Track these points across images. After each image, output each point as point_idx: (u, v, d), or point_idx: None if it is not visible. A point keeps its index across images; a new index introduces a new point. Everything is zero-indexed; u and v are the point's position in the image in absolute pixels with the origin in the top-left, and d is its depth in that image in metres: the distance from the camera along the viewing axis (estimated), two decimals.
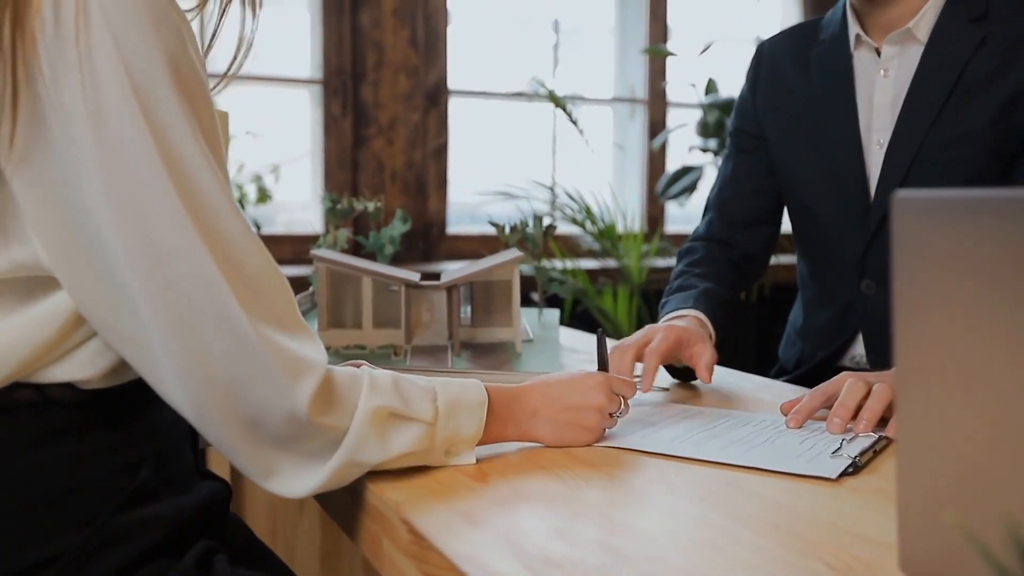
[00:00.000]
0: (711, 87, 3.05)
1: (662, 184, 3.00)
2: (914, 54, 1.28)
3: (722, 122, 2.98)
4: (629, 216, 2.79)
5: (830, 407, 1.00)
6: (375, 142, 2.82)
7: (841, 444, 0.90)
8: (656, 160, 3.25)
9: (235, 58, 0.88)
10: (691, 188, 2.96)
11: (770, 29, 3.49)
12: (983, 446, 0.55)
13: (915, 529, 0.59)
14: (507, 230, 1.51)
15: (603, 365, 1.01)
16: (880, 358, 1.31)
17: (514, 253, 1.36)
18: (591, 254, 2.72)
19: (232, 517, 0.93)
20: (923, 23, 1.26)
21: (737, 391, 1.21)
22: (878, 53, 1.31)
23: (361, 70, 2.80)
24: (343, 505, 0.86)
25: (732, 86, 3.10)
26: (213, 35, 0.85)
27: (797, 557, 0.65)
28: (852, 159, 1.31)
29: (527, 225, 1.51)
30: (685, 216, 3.32)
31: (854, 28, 1.32)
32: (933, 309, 0.54)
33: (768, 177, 1.46)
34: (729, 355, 1.41)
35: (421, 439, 0.79)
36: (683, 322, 1.22)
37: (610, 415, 0.93)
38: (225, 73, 0.87)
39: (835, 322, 1.38)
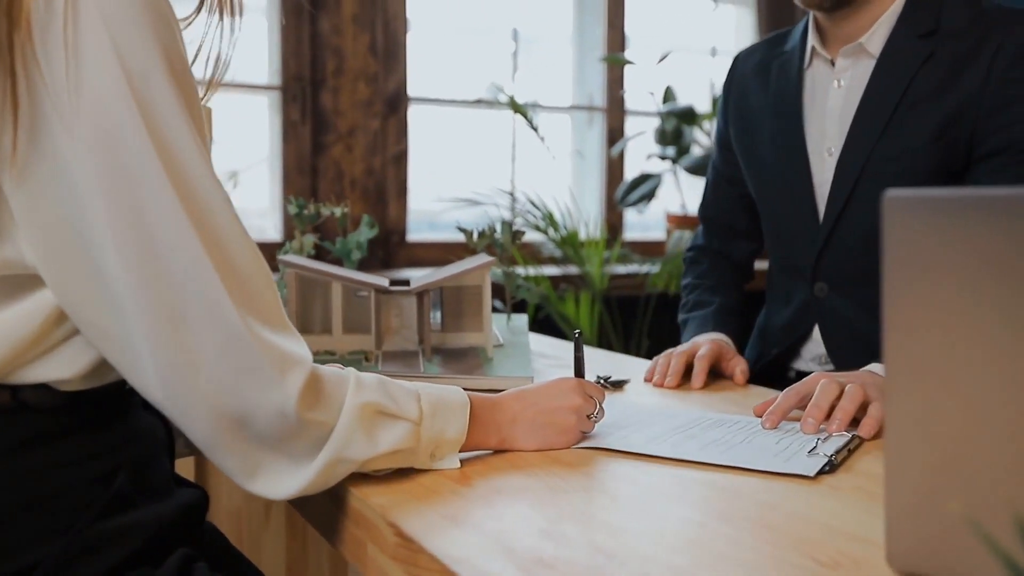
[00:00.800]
0: (669, 95, 3.08)
1: (621, 191, 3.02)
2: (866, 67, 1.31)
3: (680, 130, 3.01)
4: (589, 223, 2.81)
5: (803, 407, 1.01)
6: (334, 149, 2.80)
7: (816, 443, 0.92)
8: (614, 167, 3.27)
9: (216, 68, 0.87)
10: (650, 195, 2.99)
11: (725, 39, 3.54)
12: (971, 441, 0.56)
13: (902, 523, 0.60)
14: (475, 235, 1.51)
15: (579, 370, 1.02)
16: (842, 357, 1.34)
17: (485, 258, 1.36)
18: (552, 261, 2.73)
19: (207, 524, 0.92)
20: (875, 38, 1.30)
21: (706, 392, 1.23)
22: (833, 65, 1.34)
23: (320, 76, 2.78)
24: (324, 511, 0.85)
25: (689, 95, 3.14)
26: (199, 47, 0.84)
27: (786, 554, 0.65)
28: (800, 167, 1.35)
29: (495, 231, 1.51)
30: (643, 223, 3.35)
31: (812, 40, 1.36)
32: (922, 305, 0.55)
33: (739, 195, 1.54)
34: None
35: (407, 438, 0.79)
36: (707, 338, 1.37)
37: (587, 417, 0.93)
38: (209, 82, 0.86)
39: (791, 322, 1.42)
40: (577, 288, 2.57)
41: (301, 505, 0.91)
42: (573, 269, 2.68)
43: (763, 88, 1.43)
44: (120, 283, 0.68)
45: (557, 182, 3.06)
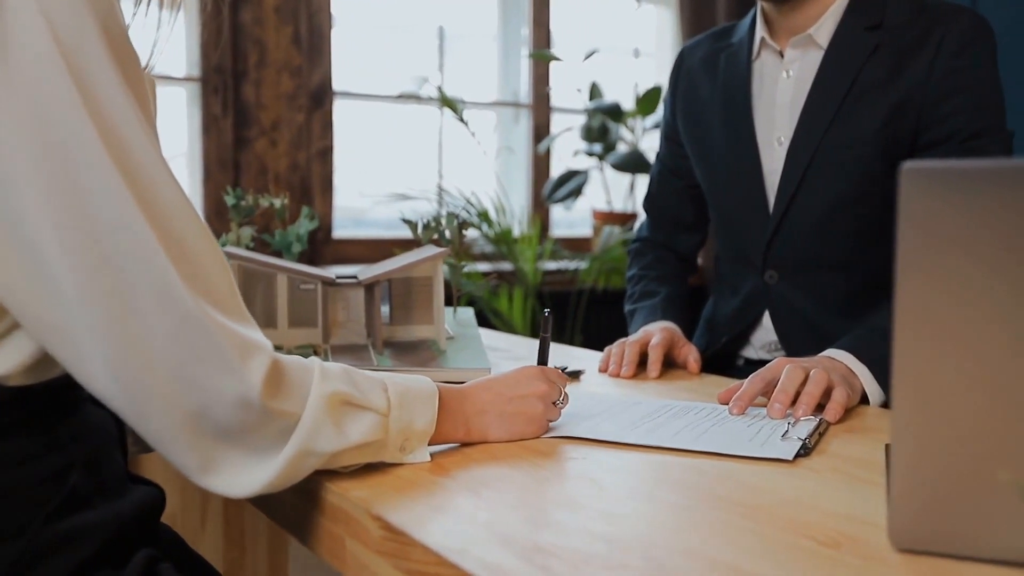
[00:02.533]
0: (595, 92, 3.09)
1: (548, 188, 3.01)
2: (814, 58, 1.33)
3: (606, 126, 3.02)
4: (518, 219, 2.80)
5: (767, 393, 1.02)
6: (257, 143, 2.73)
7: (787, 428, 0.92)
8: (541, 164, 3.27)
9: (151, 56, 0.83)
10: (577, 192, 2.99)
11: (647, 40, 3.58)
12: (979, 419, 0.56)
13: (906, 502, 0.60)
14: (420, 228, 1.48)
15: (544, 350, 1.01)
16: (792, 343, 1.35)
17: (434, 249, 1.33)
18: (484, 257, 2.71)
19: (161, 524, 0.87)
20: (823, 29, 1.32)
21: (661, 381, 1.22)
22: (782, 56, 1.35)
23: (242, 68, 2.70)
24: (293, 508, 0.81)
25: (613, 94, 3.16)
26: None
27: (786, 535, 0.65)
28: (750, 156, 1.36)
29: (440, 223, 1.48)
30: (568, 220, 3.35)
31: (761, 32, 1.37)
32: (934, 276, 0.55)
33: (685, 188, 1.55)
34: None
35: (376, 429, 0.76)
36: (657, 327, 1.37)
37: (553, 404, 0.92)
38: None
39: (740, 310, 1.43)
40: (510, 284, 2.56)
41: (264, 502, 0.87)
42: (506, 265, 2.67)
43: (711, 80, 1.43)
44: (60, 270, 0.63)
45: (483, 179, 3.05)
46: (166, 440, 0.67)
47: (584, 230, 3.29)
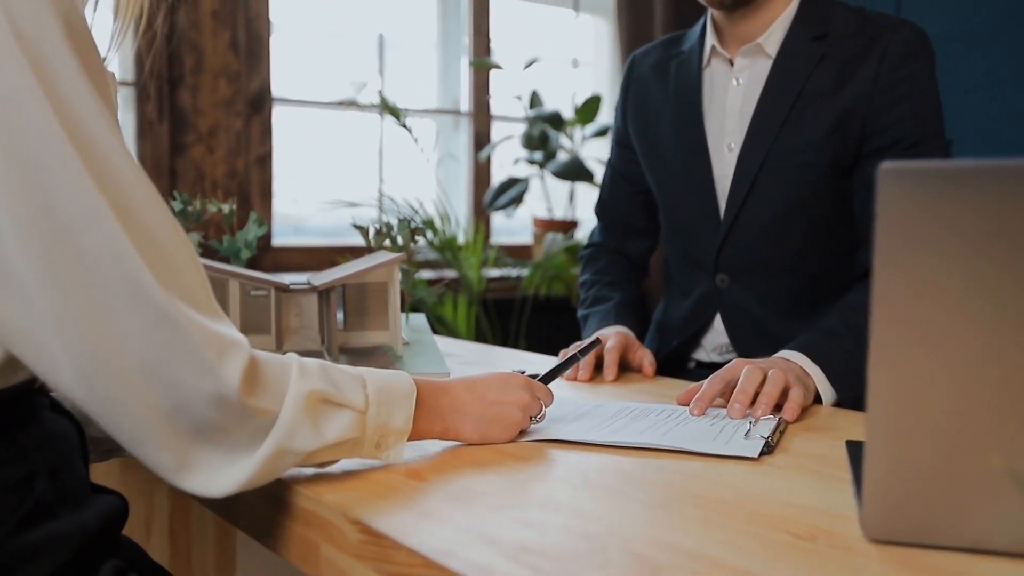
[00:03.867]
0: (536, 101, 3.11)
1: (490, 195, 3.02)
2: (763, 66, 1.36)
3: (546, 135, 3.04)
4: (460, 227, 2.80)
5: (725, 394, 1.03)
6: (194, 149, 2.68)
7: (749, 427, 0.94)
8: (481, 172, 3.28)
9: (107, 51, 0.81)
10: (518, 200, 3.01)
11: (585, 48, 3.62)
12: (952, 415, 0.58)
13: (879, 495, 0.62)
14: (372, 234, 1.47)
15: (550, 377, 1.02)
16: (744, 345, 1.38)
17: (388, 255, 1.32)
18: (427, 264, 2.71)
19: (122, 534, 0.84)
20: (772, 39, 1.35)
21: (617, 385, 1.24)
22: (731, 64, 1.38)
23: (179, 73, 2.65)
24: (261, 514, 0.80)
25: (553, 101, 3.18)
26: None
27: (761, 529, 0.66)
28: (701, 162, 1.39)
29: (392, 228, 1.48)
30: (509, 228, 3.37)
31: (711, 40, 1.40)
32: (910, 274, 0.56)
33: (635, 193, 1.57)
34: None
35: (353, 427, 0.75)
36: (612, 331, 1.39)
37: (530, 417, 0.92)
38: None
39: (692, 313, 1.46)
40: (454, 291, 2.56)
41: (231, 510, 0.85)
42: (449, 272, 2.67)
43: (663, 86, 1.46)
44: (24, 269, 0.61)
45: (423, 186, 3.04)
46: (140, 441, 0.66)
47: (525, 237, 3.30)
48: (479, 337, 2.62)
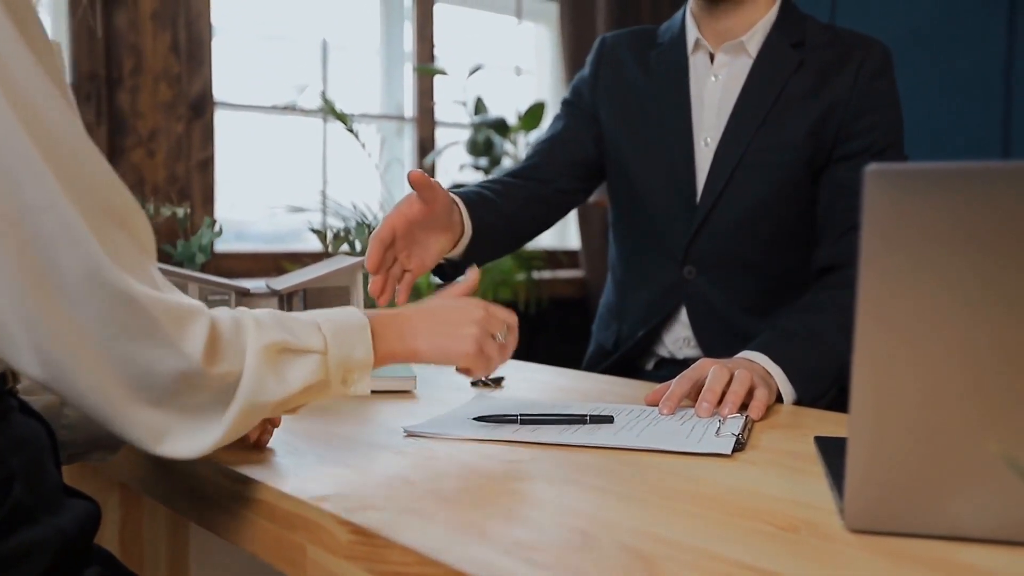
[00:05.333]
0: (480, 107, 3.12)
1: None
2: (743, 65, 1.39)
3: (491, 140, 3.06)
4: None
5: (691, 394, 1.06)
6: (134, 153, 2.63)
7: (719, 425, 0.96)
8: None
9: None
10: None
11: (527, 56, 3.64)
12: (933, 407, 0.60)
13: (862, 486, 0.64)
14: (330, 238, 1.46)
15: None
16: (707, 339, 1.40)
17: (350, 259, 1.32)
18: None
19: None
20: (754, 39, 1.39)
21: (578, 387, 1.25)
22: (711, 59, 1.41)
23: (117, 76, 2.60)
24: (241, 521, 0.79)
25: (495, 108, 3.20)
26: None
27: (744, 521, 0.68)
28: (683, 154, 1.40)
29: (350, 233, 1.47)
30: None
31: (693, 33, 1.42)
32: (894, 273, 0.59)
33: (593, 143, 1.49)
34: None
35: (317, 370, 0.76)
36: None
37: (493, 338, 0.91)
38: None
39: (654, 303, 1.46)
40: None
41: (208, 517, 0.84)
42: None
43: (642, 73, 1.46)
44: None
45: (366, 191, 3.03)
46: (110, 417, 0.67)
47: None
48: None
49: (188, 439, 0.70)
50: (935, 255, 0.57)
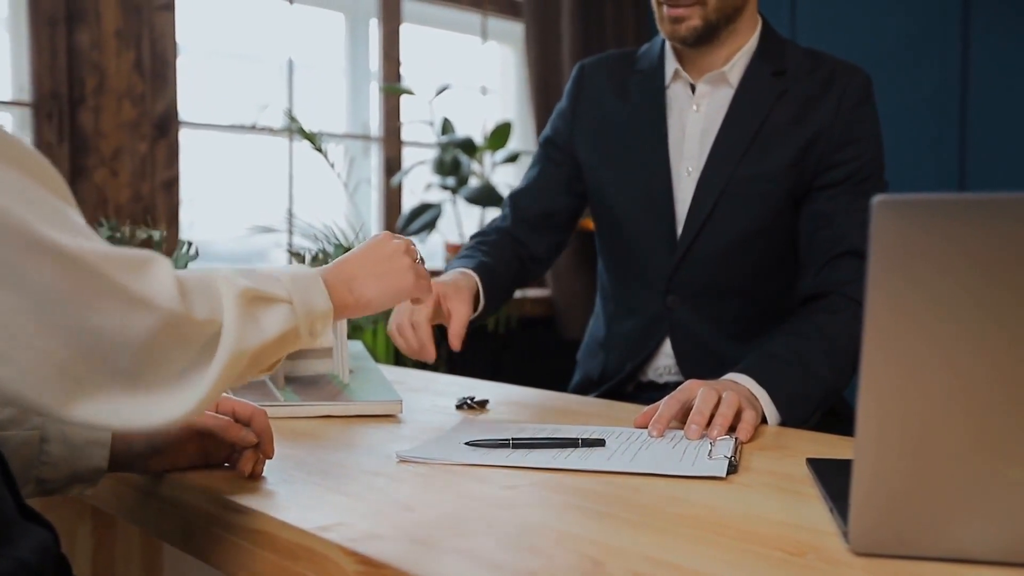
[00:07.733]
0: (447, 127, 3.12)
1: (402, 221, 3.01)
2: (724, 95, 1.40)
3: (458, 160, 3.06)
4: None
5: (680, 415, 1.06)
6: (97, 173, 2.59)
7: (710, 447, 0.96)
8: (392, 197, 3.27)
9: None
10: (431, 225, 3.01)
11: (492, 76, 3.66)
12: (938, 432, 0.62)
13: (866, 511, 0.65)
14: (308, 260, 1.45)
15: None
16: (689, 367, 1.41)
17: None
18: None
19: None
20: (735, 70, 1.40)
21: (567, 411, 1.25)
22: (692, 89, 1.43)
23: (79, 94, 2.56)
24: (239, 551, 0.78)
25: (461, 128, 3.20)
26: None
27: (753, 547, 0.68)
28: (663, 184, 1.41)
29: (328, 256, 1.46)
30: (422, 253, 3.35)
31: (672, 64, 1.43)
32: (901, 302, 0.60)
33: (567, 191, 1.53)
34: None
35: (288, 318, 0.77)
36: (448, 276, 1.31)
37: (415, 260, 0.95)
38: None
39: (641, 333, 1.46)
40: (372, 318, 2.53)
41: (205, 549, 0.83)
42: None
43: (621, 102, 1.47)
44: None
45: (331, 212, 3.01)
46: (93, 398, 0.64)
47: (437, 263, 3.30)
48: (398, 362, 2.60)
49: (175, 400, 0.66)
50: (942, 284, 0.59)
